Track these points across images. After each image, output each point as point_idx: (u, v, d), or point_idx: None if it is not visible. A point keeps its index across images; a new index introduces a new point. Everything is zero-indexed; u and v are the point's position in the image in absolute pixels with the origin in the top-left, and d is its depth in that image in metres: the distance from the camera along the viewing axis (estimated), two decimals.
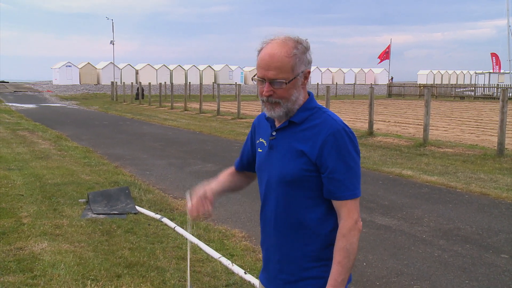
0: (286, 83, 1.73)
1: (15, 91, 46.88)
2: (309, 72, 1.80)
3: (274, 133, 1.85)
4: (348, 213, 1.74)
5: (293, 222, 1.81)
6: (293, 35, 1.78)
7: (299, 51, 1.75)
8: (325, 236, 1.80)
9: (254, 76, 1.81)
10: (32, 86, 55.52)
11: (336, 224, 1.79)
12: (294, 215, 1.81)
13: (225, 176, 2.15)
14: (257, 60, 1.79)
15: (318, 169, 1.75)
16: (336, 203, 1.76)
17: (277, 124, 1.86)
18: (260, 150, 1.92)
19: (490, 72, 47.89)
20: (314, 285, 1.82)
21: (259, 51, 1.78)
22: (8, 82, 65.86)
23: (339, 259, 1.73)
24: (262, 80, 1.76)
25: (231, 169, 2.17)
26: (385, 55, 51.59)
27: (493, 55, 51.21)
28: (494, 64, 50.87)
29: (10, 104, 31.41)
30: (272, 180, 1.84)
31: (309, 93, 1.86)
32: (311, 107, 1.82)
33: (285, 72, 1.72)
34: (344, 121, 1.80)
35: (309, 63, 1.79)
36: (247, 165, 2.10)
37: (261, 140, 1.93)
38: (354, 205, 1.75)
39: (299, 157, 1.76)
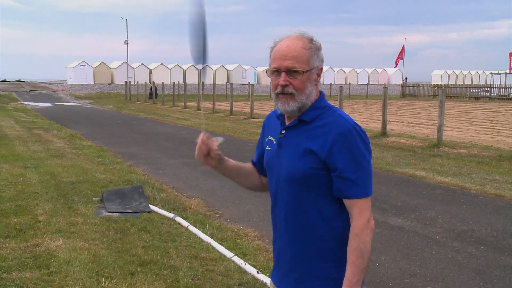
0: (303, 73, 1.75)
1: (30, 90, 47.47)
2: (321, 70, 1.83)
3: (283, 131, 1.85)
4: (359, 212, 1.72)
5: (303, 221, 1.80)
6: (307, 33, 1.82)
7: (314, 46, 1.79)
8: (336, 235, 1.79)
9: (267, 70, 1.83)
10: (47, 85, 56.15)
11: (348, 222, 1.78)
12: (304, 214, 1.80)
13: (242, 163, 2.11)
14: (271, 54, 1.80)
15: (327, 168, 1.74)
16: (347, 202, 1.75)
17: (287, 122, 1.86)
18: (269, 148, 1.92)
19: (506, 73, 47.20)
20: (326, 285, 1.80)
21: (272, 48, 1.81)
22: (24, 81, 66.70)
23: (352, 259, 1.72)
24: (278, 71, 1.77)
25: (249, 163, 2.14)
26: (400, 55, 51.60)
27: (511, 55, 50.45)
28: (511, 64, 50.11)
29: (26, 103, 31.82)
30: (281, 178, 1.83)
31: (320, 92, 1.86)
32: (321, 106, 1.82)
33: (301, 62, 1.75)
34: (355, 120, 1.80)
35: (322, 60, 1.82)
36: (259, 165, 2.06)
37: (270, 138, 1.93)
38: (366, 204, 1.74)
39: (308, 156, 1.75)
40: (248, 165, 2.11)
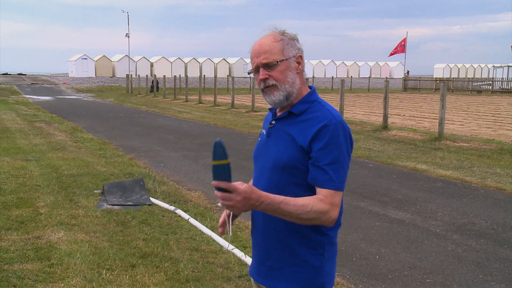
0: (278, 62, 1.81)
1: (32, 84, 47.48)
2: (301, 57, 1.88)
3: (273, 122, 1.92)
4: (325, 199, 1.71)
5: None
6: (279, 28, 1.88)
7: (286, 37, 1.85)
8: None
9: (250, 71, 1.91)
10: (49, 79, 56.17)
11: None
12: None
13: None
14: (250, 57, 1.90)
15: (309, 157, 1.79)
16: (319, 191, 1.74)
17: (278, 114, 1.93)
18: (259, 139, 2.00)
19: (508, 66, 47.04)
20: (300, 273, 1.82)
21: (250, 51, 1.90)
22: (25, 75, 66.68)
23: (301, 202, 1.68)
24: (257, 69, 1.85)
25: None
26: (399, 48, 50.60)
27: None
28: None
29: (27, 96, 31.85)
30: (265, 166, 1.88)
31: (311, 87, 1.93)
32: (311, 100, 1.88)
33: (275, 54, 1.82)
34: (341, 116, 1.85)
35: (299, 49, 1.87)
36: None
37: (262, 131, 2.02)
38: (335, 196, 1.72)
39: (293, 145, 1.80)
40: None
